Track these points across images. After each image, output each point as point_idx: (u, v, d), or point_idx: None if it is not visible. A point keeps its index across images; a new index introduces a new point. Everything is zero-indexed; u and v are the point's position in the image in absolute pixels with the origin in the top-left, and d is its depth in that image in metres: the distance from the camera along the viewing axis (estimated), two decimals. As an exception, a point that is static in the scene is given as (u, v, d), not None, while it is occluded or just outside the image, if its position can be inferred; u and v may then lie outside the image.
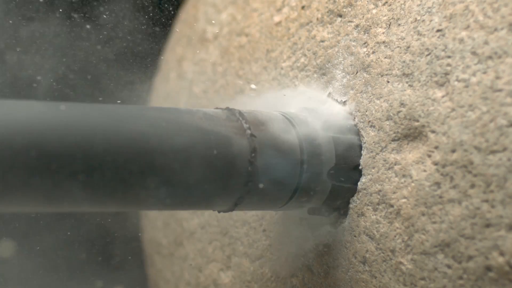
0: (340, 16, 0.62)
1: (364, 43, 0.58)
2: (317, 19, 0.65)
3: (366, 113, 0.57)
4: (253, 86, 0.65)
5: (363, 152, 0.57)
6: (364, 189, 0.56)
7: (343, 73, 0.60)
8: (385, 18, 0.57)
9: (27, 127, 0.43)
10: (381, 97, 0.56)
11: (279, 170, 0.53)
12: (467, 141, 0.48)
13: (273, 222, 0.68)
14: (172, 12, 0.84)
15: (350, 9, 0.61)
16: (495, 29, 0.48)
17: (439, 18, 0.52)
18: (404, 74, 0.54)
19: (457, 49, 0.50)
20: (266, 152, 0.53)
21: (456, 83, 0.49)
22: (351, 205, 0.58)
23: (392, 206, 0.54)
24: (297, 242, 0.64)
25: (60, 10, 0.69)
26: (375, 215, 0.55)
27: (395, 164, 0.54)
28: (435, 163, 0.50)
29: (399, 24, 0.55)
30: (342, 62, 0.60)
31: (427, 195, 0.51)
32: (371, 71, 0.57)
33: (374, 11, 0.58)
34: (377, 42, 0.57)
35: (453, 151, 0.49)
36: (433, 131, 0.51)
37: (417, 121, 0.52)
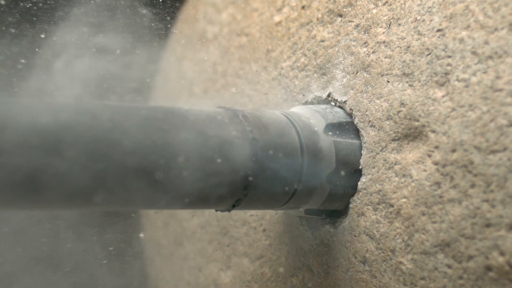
0: (340, 16, 0.62)
1: (364, 43, 0.58)
2: (317, 19, 0.65)
3: (366, 112, 0.57)
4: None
5: (363, 152, 0.57)
6: (364, 188, 0.56)
7: (343, 73, 0.60)
8: (385, 18, 0.57)
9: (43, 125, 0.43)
10: (381, 97, 0.56)
11: (279, 174, 0.53)
12: (467, 141, 0.48)
13: (273, 222, 0.68)
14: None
15: (350, 9, 0.61)
16: (496, 29, 0.48)
17: (439, 18, 0.52)
18: (404, 74, 0.54)
19: (458, 49, 0.50)
20: (267, 156, 0.53)
21: (456, 82, 0.49)
22: (351, 205, 0.58)
23: (392, 205, 0.54)
24: (297, 242, 0.64)
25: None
26: (375, 215, 0.55)
27: (395, 164, 0.54)
28: (435, 163, 0.50)
29: (399, 24, 0.55)
30: (342, 62, 0.60)
31: (427, 195, 0.51)
32: (371, 71, 0.57)
33: (374, 11, 0.58)
34: (377, 42, 0.57)
35: (453, 151, 0.49)
36: (433, 131, 0.51)
37: (417, 121, 0.52)
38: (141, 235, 0.82)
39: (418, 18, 0.54)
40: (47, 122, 0.43)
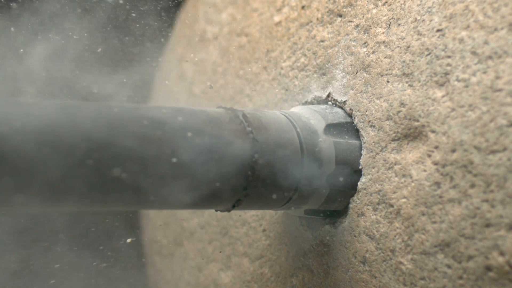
0: (340, 16, 0.62)
1: (364, 43, 0.58)
2: (317, 19, 0.65)
3: (366, 113, 0.57)
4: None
5: (363, 152, 0.57)
6: (364, 189, 0.56)
7: (343, 73, 0.60)
8: (385, 18, 0.57)
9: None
10: (381, 97, 0.56)
11: (279, 175, 0.53)
12: (467, 141, 0.48)
13: (273, 222, 0.68)
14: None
15: (350, 9, 0.61)
16: (495, 29, 0.48)
17: (439, 18, 0.52)
18: (404, 74, 0.54)
19: (457, 49, 0.50)
20: (267, 157, 0.53)
21: (456, 83, 0.49)
22: (351, 205, 0.58)
23: (392, 206, 0.54)
24: (297, 242, 0.64)
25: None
26: (375, 215, 0.55)
27: (395, 164, 0.54)
28: (435, 163, 0.50)
29: (399, 24, 0.55)
30: (342, 62, 0.60)
31: (427, 195, 0.51)
32: (371, 71, 0.57)
33: (374, 11, 0.58)
34: (377, 42, 0.57)
35: (453, 151, 0.49)
36: (433, 131, 0.51)
37: (417, 121, 0.52)
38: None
39: (418, 18, 0.54)
40: None
